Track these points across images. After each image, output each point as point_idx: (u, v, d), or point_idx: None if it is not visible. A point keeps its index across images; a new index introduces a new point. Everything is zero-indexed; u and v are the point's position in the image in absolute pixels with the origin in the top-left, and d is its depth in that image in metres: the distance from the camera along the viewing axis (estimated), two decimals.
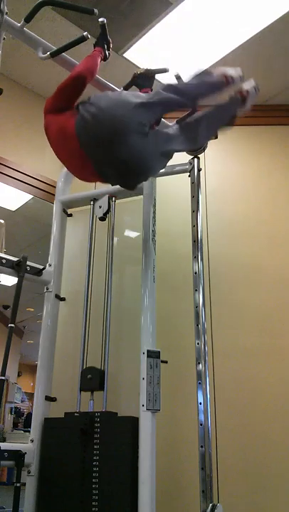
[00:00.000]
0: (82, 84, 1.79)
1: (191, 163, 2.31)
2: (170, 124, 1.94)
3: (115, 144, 1.63)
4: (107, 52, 1.95)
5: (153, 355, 1.91)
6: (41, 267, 2.25)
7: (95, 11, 1.78)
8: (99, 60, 1.89)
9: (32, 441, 2.03)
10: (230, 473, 2.20)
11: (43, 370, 2.20)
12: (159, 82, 2.75)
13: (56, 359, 2.26)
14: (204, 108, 1.92)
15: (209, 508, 1.74)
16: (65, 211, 2.53)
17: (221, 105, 1.94)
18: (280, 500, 2.26)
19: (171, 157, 1.82)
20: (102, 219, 2.37)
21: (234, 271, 2.69)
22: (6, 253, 2.15)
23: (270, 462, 2.32)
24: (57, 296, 2.34)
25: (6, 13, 1.74)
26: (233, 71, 1.85)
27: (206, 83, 1.84)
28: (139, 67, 2.48)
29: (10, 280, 3.94)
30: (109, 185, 2.44)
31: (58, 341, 2.30)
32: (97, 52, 1.90)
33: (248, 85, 1.92)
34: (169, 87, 1.76)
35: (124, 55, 2.74)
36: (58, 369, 2.26)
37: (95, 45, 1.95)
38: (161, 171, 1.88)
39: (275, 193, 2.91)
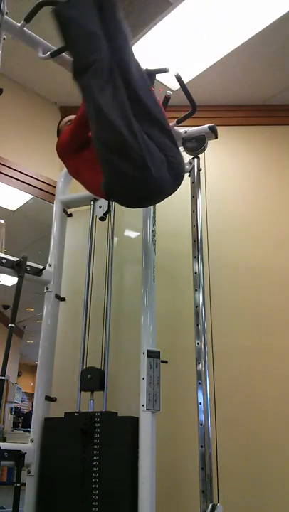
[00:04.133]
0: None
1: (191, 163, 2.30)
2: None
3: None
4: None
5: (153, 355, 1.91)
6: (41, 267, 2.25)
7: None
8: None
9: (32, 441, 2.03)
10: (230, 473, 2.20)
11: (43, 370, 2.20)
12: (160, 82, 2.76)
13: (56, 359, 2.26)
14: None
15: (209, 508, 1.74)
16: (65, 211, 2.53)
17: None
18: (280, 500, 2.26)
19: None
20: (102, 219, 2.37)
21: (234, 271, 2.69)
22: (6, 253, 2.15)
23: (270, 462, 2.32)
24: (57, 296, 2.34)
25: (6, 13, 1.74)
26: None
27: None
28: None
29: (10, 280, 3.95)
30: None
31: (58, 341, 2.30)
32: None
33: None
34: None
35: None
36: (58, 369, 2.26)
37: None
38: None
39: (275, 192, 2.91)
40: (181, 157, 1.68)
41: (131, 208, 1.87)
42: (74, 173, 2.02)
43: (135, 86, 1.57)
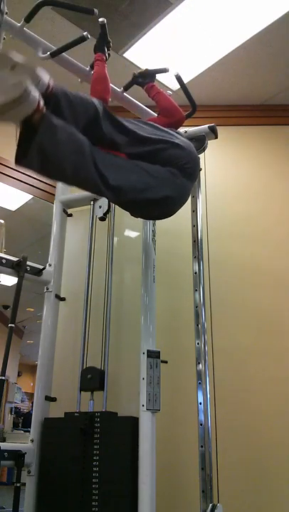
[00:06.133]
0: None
1: None
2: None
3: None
4: (107, 54, 1.95)
5: (153, 355, 1.91)
6: (41, 267, 2.25)
7: (95, 11, 1.78)
8: (105, 69, 1.87)
9: (32, 441, 2.03)
10: (230, 473, 2.20)
11: (43, 370, 2.20)
12: (160, 82, 2.76)
13: (56, 359, 2.26)
14: None
15: (209, 508, 1.74)
16: (65, 211, 2.54)
17: None
18: (280, 500, 2.26)
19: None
20: (102, 219, 2.37)
21: (234, 271, 2.69)
22: (6, 253, 2.15)
23: (270, 462, 2.32)
24: (57, 296, 2.34)
25: (6, 13, 1.74)
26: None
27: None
28: (139, 67, 2.49)
29: (10, 280, 3.95)
30: None
31: (58, 341, 2.30)
32: (100, 62, 1.88)
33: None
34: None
35: (124, 55, 2.74)
36: (58, 369, 2.26)
37: (95, 50, 1.94)
38: None
39: (275, 192, 2.91)
40: (191, 155, 1.74)
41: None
42: None
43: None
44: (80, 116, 1.46)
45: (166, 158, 1.64)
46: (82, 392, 2.08)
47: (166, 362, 1.95)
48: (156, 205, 1.67)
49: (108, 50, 1.95)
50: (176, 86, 2.56)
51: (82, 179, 1.47)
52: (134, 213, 1.76)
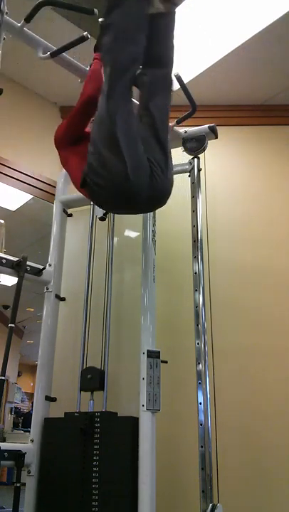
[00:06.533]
0: (95, 105, 1.72)
1: (191, 163, 2.31)
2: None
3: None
4: None
5: (153, 355, 1.91)
6: (41, 267, 2.25)
7: (95, 10, 1.78)
8: (102, 69, 1.87)
9: (32, 441, 2.03)
10: (230, 473, 2.20)
11: (43, 370, 2.20)
12: None
13: (56, 359, 2.26)
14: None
15: (209, 508, 1.74)
16: (65, 211, 2.54)
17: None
18: (280, 500, 2.26)
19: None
20: (102, 219, 2.37)
21: (234, 271, 2.69)
22: (6, 253, 2.15)
23: (270, 462, 2.32)
24: (57, 296, 2.34)
25: (6, 13, 1.74)
26: None
27: None
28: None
29: (10, 280, 3.95)
30: None
31: (58, 341, 2.30)
32: (98, 61, 1.88)
33: None
34: None
35: None
36: (58, 369, 2.26)
37: (95, 49, 1.94)
38: None
39: (275, 192, 2.91)
40: (167, 179, 1.65)
41: (104, 209, 2.06)
42: (63, 163, 1.97)
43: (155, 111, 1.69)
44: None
45: (156, 159, 1.61)
46: (82, 392, 2.08)
47: (166, 362, 1.95)
48: (112, 168, 1.52)
49: None
50: (176, 86, 2.56)
51: (114, 54, 1.57)
52: (90, 156, 1.60)
